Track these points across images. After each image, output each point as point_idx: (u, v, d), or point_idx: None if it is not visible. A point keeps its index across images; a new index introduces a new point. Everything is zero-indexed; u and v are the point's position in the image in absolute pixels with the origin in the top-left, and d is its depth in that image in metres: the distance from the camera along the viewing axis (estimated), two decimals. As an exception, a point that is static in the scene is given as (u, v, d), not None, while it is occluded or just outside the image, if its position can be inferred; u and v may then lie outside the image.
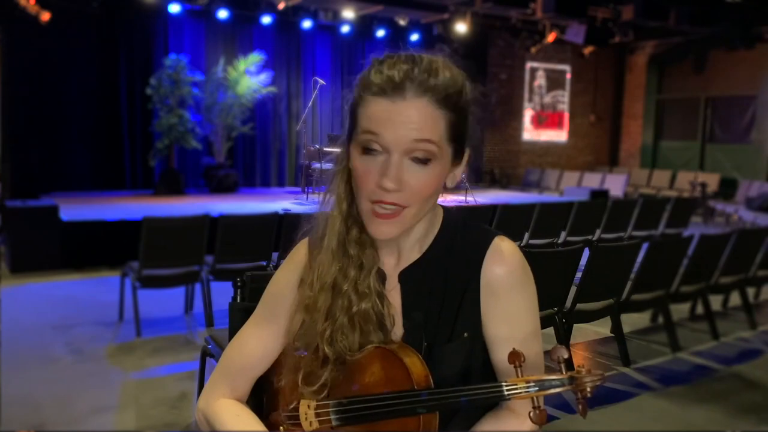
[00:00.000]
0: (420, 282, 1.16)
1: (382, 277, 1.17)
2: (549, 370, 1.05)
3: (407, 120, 1.03)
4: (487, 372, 1.16)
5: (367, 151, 1.05)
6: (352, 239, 1.15)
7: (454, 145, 1.09)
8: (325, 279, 1.14)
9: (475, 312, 1.14)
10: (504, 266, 1.13)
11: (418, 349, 1.11)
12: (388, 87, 1.04)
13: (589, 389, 0.96)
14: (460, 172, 1.15)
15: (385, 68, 1.06)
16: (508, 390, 0.98)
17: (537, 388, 0.97)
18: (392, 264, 1.18)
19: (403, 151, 1.04)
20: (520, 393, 0.98)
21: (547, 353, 1.06)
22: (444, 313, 1.14)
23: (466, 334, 1.13)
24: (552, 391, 0.98)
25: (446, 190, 1.16)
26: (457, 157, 1.12)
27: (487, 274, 1.13)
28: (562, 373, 0.98)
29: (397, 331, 1.16)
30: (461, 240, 1.17)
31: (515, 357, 0.99)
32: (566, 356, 0.98)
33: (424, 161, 1.04)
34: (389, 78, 1.04)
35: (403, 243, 1.17)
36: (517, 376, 0.99)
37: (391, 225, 1.07)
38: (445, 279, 1.15)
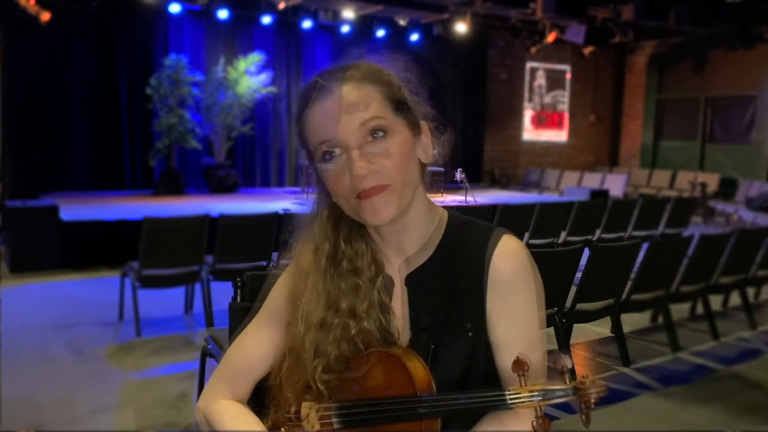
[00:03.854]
0: (428, 285, 1.16)
1: (389, 283, 1.17)
2: (552, 376, 1.05)
3: (344, 108, 1.05)
4: (490, 369, 1.15)
5: (327, 159, 1.07)
6: (342, 273, 1.15)
7: (403, 116, 1.10)
8: (311, 319, 1.14)
9: (480, 310, 1.13)
10: (512, 264, 1.13)
11: (425, 352, 1.11)
12: (313, 92, 1.07)
13: (593, 400, 0.96)
14: (428, 146, 1.15)
15: (311, 82, 1.10)
16: (511, 399, 0.98)
17: (540, 398, 0.97)
18: (397, 265, 1.18)
19: (357, 139, 1.05)
20: (523, 402, 0.98)
21: (551, 356, 1.06)
22: (451, 314, 1.14)
23: (470, 334, 1.13)
24: (555, 401, 0.97)
25: (430, 187, 1.17)
26: (415, 128, 1.12)
27: (494, 271, 1.12)
28: (565, 382, 0.97)
29: (404, 336, 1.15)
30: (467, 238, 1.16)
31: (519, 366, 0.99)
32: (570, 366, 0.97)
33: (379, 135, 1.06)
34: (311, 86, 1.09)
35: (405, 242, 1.16)
36: (521, 385, 0.98)
37: (385, 203, 1.06)
38: (453, 280, 1.15)
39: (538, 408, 0.97)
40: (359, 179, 1.04)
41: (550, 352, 1.14)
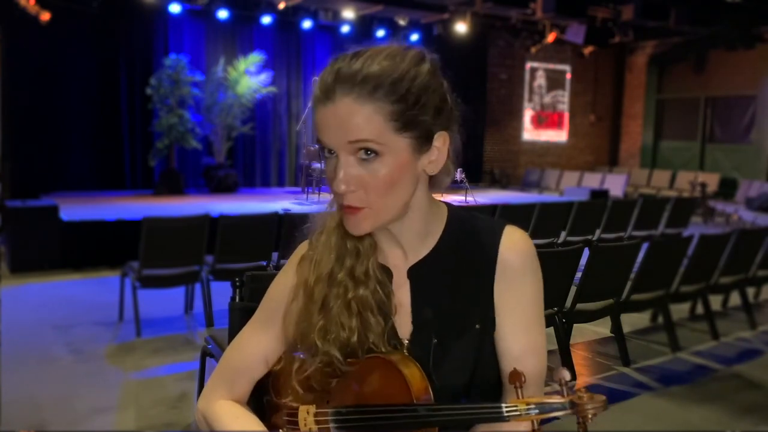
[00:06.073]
0: (430, 278, 1.16)
1: (387, 273, 1.17)
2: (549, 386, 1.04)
3: (337, 122, 1.03)
4: (494, 367, 1.15)
5: (325, 156, 1.08)
6: (349, 235, 1.15)
7: (410, 134, 1.04)
8: (321, 270, 1.14)
9: (489, 300, 1.13)
10: (521, 254, 1.13)
11: (427, 346, 1.11)
12: (321, 93, 1.05)
13: (590, 416, 0.95)
14: (440, 158, 1.10)
15: (325, 72, 1.07)
16: (507, 411, 0.97)
17: (537, 411, 0.96)
18: (398, 259, 1.17)
19: (346, 152, 1.04)
20: (519, 415, 0.97)
21: (550, 360, 1.05)
22: (456, 308, 1.14)
23: (478, 326, 1.12)
24: (552, 414, 0.96)
25: (436, 186, 1.15)
26: (423, 144, 1.07)
27: (503, 261, 1.13)
28: (563, 396, 0.97)
29: (406, 329, 1.15)
30: (470, 231, 1.16)
31: (516, 377, 0.98)
32: (568, 379, 0.97)
33: (369, 157, 1.03)
34: (322, 83, 1.05)
35: (402, 237, 1.15)
36: (518, 397, 0.98)
37: (362, 219, 1.06)
38: (457, 273, 1.15)
39: (534, 421, 0.97)
40: (337, 194, 1.06)
41: (549, 353, 1.14)
